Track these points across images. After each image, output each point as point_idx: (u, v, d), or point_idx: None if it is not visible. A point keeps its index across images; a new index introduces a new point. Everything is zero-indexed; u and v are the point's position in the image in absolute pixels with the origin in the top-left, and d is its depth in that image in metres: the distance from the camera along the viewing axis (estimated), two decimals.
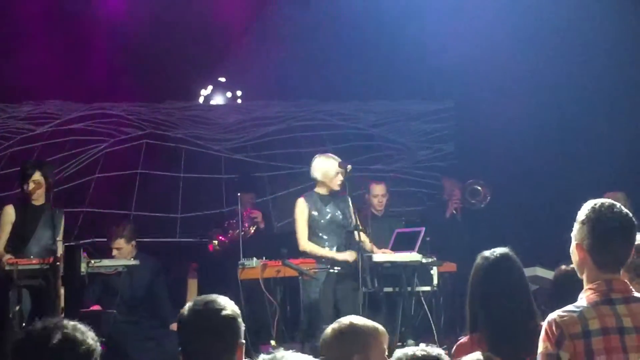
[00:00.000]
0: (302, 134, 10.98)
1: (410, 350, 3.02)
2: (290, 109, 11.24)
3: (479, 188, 9.33)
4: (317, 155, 7.89)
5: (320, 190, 7.78)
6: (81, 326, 2.75)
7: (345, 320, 3.51)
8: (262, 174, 10.80)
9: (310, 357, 2.99)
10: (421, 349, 3.04)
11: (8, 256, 7.27)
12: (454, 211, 9.33)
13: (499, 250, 4.28)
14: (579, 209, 3.50)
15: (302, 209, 7.71)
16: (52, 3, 9.49)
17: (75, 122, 10.68)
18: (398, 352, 3.01)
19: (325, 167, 7.73)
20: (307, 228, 7.69)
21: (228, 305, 3.26)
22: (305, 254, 7.69)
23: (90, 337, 2.75)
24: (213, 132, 11.01)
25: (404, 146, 11.08)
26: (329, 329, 3.46)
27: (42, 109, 10.57)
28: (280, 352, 2.83)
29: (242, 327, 3.30)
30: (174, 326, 7.71)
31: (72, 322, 2.75)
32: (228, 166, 10.65)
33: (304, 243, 7.67)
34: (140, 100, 10.78)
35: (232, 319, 3.23)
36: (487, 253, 4.30)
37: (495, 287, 4.15)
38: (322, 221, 7.71)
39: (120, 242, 7.94)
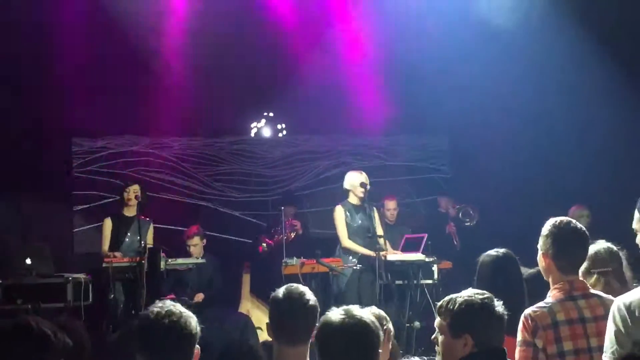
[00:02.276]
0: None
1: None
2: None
3: (470, 211, 9.32)
4: (348, 172, 8.14)
5: (352, 200, 7.96)
6: (188, 313, 2.86)
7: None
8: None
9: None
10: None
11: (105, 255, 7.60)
12: (455, 242, 9.27)
13: (503, 250, 4.40)
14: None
15: (340, 214, 7.91)
16: (118, 47, 8.99)
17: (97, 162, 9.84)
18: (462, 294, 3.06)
19: (352, 179, 7.97)
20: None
21: (312, 297, 3.33)
22: (346, 250, 7.85)
23: (194, 322, 2.86)
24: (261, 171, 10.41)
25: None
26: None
27: (90, 145, 9.83)
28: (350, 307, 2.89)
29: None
30: (199, 296, 8.01)
31: (180, 309, 2.85)
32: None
33: (345, 241, 7.86)
34: (198, 135, 10.26)
35: (315, 307, 3.29)
36: (492, 252, 4.40)
37: (499, 278, 4.27)
38: (353, 226, 7.91)
39: (197, 240, 8.27)
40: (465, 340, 2.98)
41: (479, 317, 2.97)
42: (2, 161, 8.91)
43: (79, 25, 8.78)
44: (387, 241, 8.04)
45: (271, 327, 3.33)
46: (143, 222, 7.88)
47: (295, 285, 3.40)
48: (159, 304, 2.88)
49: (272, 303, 3.36)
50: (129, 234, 7.82)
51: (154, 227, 8.13)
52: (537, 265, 4.41)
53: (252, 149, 10.50)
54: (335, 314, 2.86)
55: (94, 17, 8.79)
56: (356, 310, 2.88)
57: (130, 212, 7.89)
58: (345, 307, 2.92)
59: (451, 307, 3.00)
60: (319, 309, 3.32)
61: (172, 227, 9.36)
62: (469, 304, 2.98)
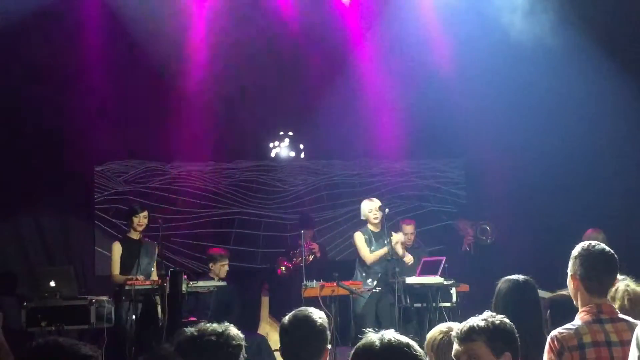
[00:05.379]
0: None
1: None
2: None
3: (488, 228, 9.36)
4: (363, 201, 8.20)
5: (371, 227, 8.09)
6: (234, 329, 2.97)
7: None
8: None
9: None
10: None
11: (128, 278, 7.55)
12: (467, 247, 9.34)
13: (523, 277, 4.17)
14: (567, 242, 3.70)
15: (361, 238, 8.04)
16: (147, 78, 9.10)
17: None
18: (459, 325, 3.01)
19: (364, 207, 8.13)
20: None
21: (320, 319, 3.30)
22: (372, 264, 7.96)
23: (239, 339, 2.95)
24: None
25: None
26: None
27: (110, 169, 9.74)
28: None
29: (329, 336, 3.32)
30: None
31: (223, 326, 2.96)
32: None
33: (368, 256, 7.98)
34: (214, 159, 9.98)
35: (323, 329, 3.27)
36: (513, 277, 4.16)
37: (518, 304, 4.05)
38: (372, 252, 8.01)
39: (226, 260, 8.32)
40: (505, 359, 2.95)
41: (515, 337, 2.98)
42: (26, 184, 9.00)
43: (100, 51, 8.93)
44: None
45: (280, 352, 3.35)
46: (149, 244, 7.96)
47: (303, 308, 3.38)
48: (197, 325, 2.96)
49: (280, 329, 3.36)
50: (140, 257, 7.80)
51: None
52: (554, 288, 4.74)
53: (268, 179, 10.19)
54: (374, 337, 2.59)
55: (115, 42, 8.93)
56: (395, 334, 2.63)
57: (136, 235, 7.93)
58: (383, 331, 2.65)
59: (489, 327, 2.95)
60: (327, 331, 3.30)
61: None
62: (508, 324, 2.99)
